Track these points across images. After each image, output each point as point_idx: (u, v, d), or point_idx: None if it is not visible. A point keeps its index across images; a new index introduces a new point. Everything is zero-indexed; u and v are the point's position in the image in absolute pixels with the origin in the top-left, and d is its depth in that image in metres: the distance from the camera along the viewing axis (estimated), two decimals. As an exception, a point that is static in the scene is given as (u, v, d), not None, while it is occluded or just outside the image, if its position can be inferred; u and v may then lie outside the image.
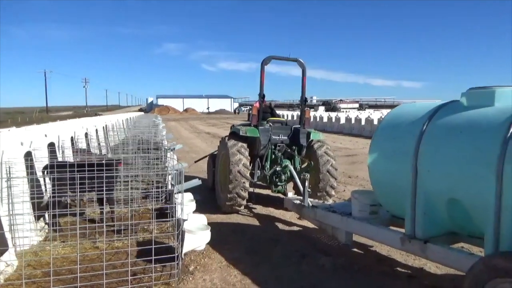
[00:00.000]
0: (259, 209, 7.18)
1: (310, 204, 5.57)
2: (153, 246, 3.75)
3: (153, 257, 3.75)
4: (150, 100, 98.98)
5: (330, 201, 6.83)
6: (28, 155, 5.46)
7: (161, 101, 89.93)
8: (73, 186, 5.15)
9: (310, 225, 5.90)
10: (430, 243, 3.56)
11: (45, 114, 55.97)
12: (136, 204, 6.43)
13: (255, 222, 6.45)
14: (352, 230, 4.61)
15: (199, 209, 6.65)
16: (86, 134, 9.86)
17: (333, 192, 6.97)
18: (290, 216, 6.66)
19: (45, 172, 5.27)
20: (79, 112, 70.60)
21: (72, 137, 8.52)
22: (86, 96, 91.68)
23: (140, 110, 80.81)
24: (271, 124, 7.10)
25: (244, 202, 6.60)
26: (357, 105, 77.74)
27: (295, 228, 6.13)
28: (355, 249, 5.04)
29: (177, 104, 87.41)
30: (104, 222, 5.40)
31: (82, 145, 9.11)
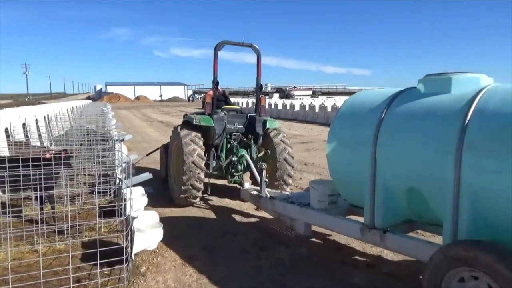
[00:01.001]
0: (215, 200, 6.93)
1: (268, 195, 5.43)
2: (98, 250, 3.37)
3: (99, 261, 3.39)
4: (98, 87, 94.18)
5: (287, 190, 6.74)
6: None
7: (110, 89, 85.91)
8: (4, 184, 4.65)
9: (267, 215, 5.76)
10: (389, 233, 3.52)
11: (-20, 103, 51.28)
12: (81, 200, 5.95)
13: (211, 215, 6.20)
14: (311, 221, 4.51)
15: (152, 203, 6.28)
16: (24, 125, 9.00)
17: (290, 181, 6.88)
18: (247, 207, 6.49)
19: None
20: (19, 100, 65.58)
21: (7, 129, 7.72)
22: (27, 83, 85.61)
23: (88, 98, 76.65)
24: (225, 112, 6.83)
25: (200, 194, 6.32)
26: (310, 92, 79.17)
27: (253, 220, 5.96)
28: (313, 239, 4.96)
29: (128, 92, 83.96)
30: (44, 223, 4.93)
31: (20, 137, 8.32)
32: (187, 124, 6.64)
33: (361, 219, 3.94)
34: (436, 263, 2.80)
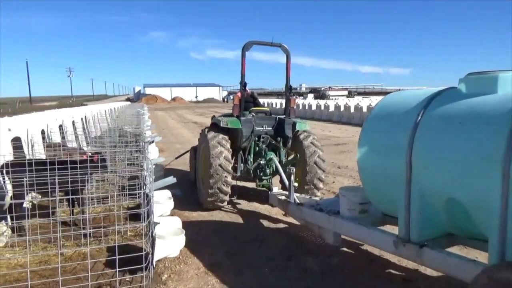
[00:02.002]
0: (243, 204, 6.78)
1: (296, 200, 5.20)
2: (117, 257, 3.30)
3: (117, 269, 3.33)
4: (137, 89, 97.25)
5: (318, 194, 6.48)
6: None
7: (148, 90, 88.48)
8: (33, 186, 4.72)
9: (297, 222, 5.54)
10: (426, 248, 3.19)
11: (28, 105, 54.43)
12: (110, 202, 5.99)
13: (238, 219, 6.05)
14: (340, 231, 4.23)
15: (180, 207, 6.26)
16: (60, 127, 9.30)
17: (321, 185, 6.61)
18: (276, 212, 6.29)
19: (2, 172, 4.78)
20: (64, 102, 69.02)
21: (43, 130, 7.98)
22: (71, 86, 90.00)
23: (127, 99, 79.35)
24: (253, 114, 6.66)
25: (227, 198, 6.20)
26: (346, 93, 77.54)
27: (281, 226, 5.74)
28: (345, 249, 4.69)
29: (165, 93, 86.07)
30: (71, 226, 4.99)
31: (56, 138, 8.59)
32: (215, 126, 6.54)
33: (396, 231, 3.62)
34: (478, 285, 2.47)
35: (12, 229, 4.73)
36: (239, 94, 6.75)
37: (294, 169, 5.50)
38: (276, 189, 6.36)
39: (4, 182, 5.02)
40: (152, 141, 7.74)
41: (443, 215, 3.16)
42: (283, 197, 5.53)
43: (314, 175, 6.44)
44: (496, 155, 2.64)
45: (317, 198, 5.52)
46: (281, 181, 6.52)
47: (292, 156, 6.74)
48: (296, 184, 6.22)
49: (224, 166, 5.95)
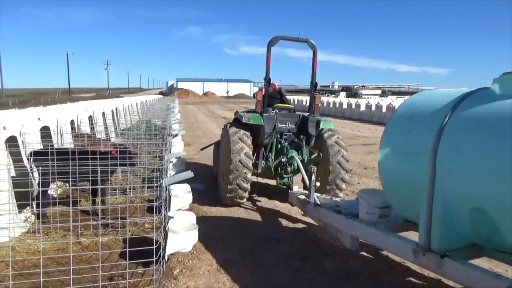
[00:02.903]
0: (264, 202, 6.70)
1: (316, 201, 5.04)
2: (128, 249, 3.31)
3: (128, 261, 3.35)
4: (170, 83, 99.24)
5: (340, 195, 6.29)
6: (14, 141, 5.14)
7: (181, 85, 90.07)
8: (60, 175, 4.85)
9: (315, 222, 5.38)
10: (448, 258, 2.97)
11: (68, 96, 56.79)
12: (130, 194, 6.06)
13: (256, 217, 5.98)
14: (357, 235, 4.04)
15: (199, 201, 6.25)
16: (90, 117, 9.57)
17: (343, 186, 6.40)
18: (296, 211, 6.15)
19: (30, 160, 4.93)
20: (100, 94, 71.55)
21: (72, 121, 8.22)
22: (108, 78, 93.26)
23: (160, 93, 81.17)
24: (277, 111, 6.54)
25: (246, 195, 6.13)
26: (379, 92, 75.47)
27: (300, 226, 5.63)
28: (363, 253, 4.49)
29: (197, 88, 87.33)
30: (91, 215, 5.08)
31: (86, 129, 8.84)
32: (237, 122, 6.48)
33: (416, 238, 3.42)
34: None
35: (36, 216, 4.87)
36: (263, 90, 6.65)
37: (316, 169, 5.34)
38: (296, 188, 6.23)
39: (32, 170, 5.19)
40: (176, 135, 7.77)
41: (467, 224, 2.94)
42: (303, 197, 5.39)
43: (337, 175, 6.25)
44: (529, 163, 2.41)
45: (337, 199, 5.34)
46: (303, 180, 6.37)
47: (315, 155, 6.58)
48: (317, 184, 6.06)
49: (244, 162, 5.88)
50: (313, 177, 5.16)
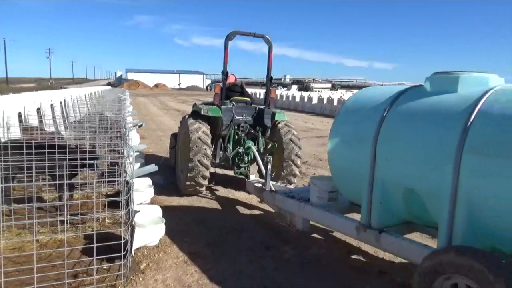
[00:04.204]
0: (222, 191, 6.92)
1: (272, 188, 5.39)
2: (95, 244, 3.21)
3: (95, 257, 3.24)
4: (119, 74, 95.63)
5: (294, 182, 6.69)
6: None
7: (130, 76, 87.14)
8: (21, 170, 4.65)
9: (272, 209, 5.69)
10: (384, 233, 3.45)
11: (5, 86, 52.74)
12: (88, 189, 5.81)
13: (218, 207, 6.15)
14: (309, 217, 4.46)
15: (159, 194, 6.24)
16: (38, 110, 9.19)
17: (297, 172, 6.80)
18: (252, 198, 6.45)
19: None
20: (42, 84, 67.12)
21: (20, 113, 7.89)
22: (50, 67, 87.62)
23: (109, 84, 77.88)
24: (234, 103, 6.80)
25: (205, 182, 6.26)
26: (329, 85, 78.11)
27: (259, 214, 5.86)
28: (323, 240, 4.79)
29: (148, 79, 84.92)
30: (48, 212, 4.89)
31: (34, 122, 8.48)
32: (196, 114, 6.65)
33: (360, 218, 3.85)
34: (425, 267, 2.73)
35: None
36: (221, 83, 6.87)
37: (271, 158, 5.68)
38: (253, 176, 6.55)
39: None
40: (141, 125, 7.67)
41: (401, 204, 3.43)
42: (259, 185, 5.71)
43: (290, 172, 6.63)
44: (450, 149, 2.89)
45: (291, 187, 5.74)
46: (259, 169, 6.71)
47: (270, 145, 6.93)
48: (273, 173, 6.41)
49: (203, 139, 6.07)
50: (269, 166, 5.50)
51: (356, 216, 4.22)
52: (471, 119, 2.87)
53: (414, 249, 3.17)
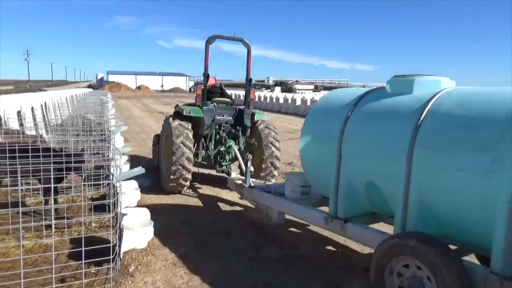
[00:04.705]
0: (209, 191, 7.12)
1: (251, 184, 5.68)
2: (83, 248, 3.23)
3: (83, 261, 3.25)
4: (100, 76, 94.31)
5: (273, 180, 7.00)
6: None
7: (112, 78, 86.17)
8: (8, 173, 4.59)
9: (251, 204, 5.85)
10: (349, 223, 3.80)
11: (-18, 89, 51.42)
12: (73, 193, 5.62)
13: (205, 208, 6.25)
14: (283, 210, 4.79)
15: (146, 197, 6.38)
16: (18, 113, 9.21)
17: (276, 170, 7.10)
18: (233, 195, 6.66)
19: None
20: (20, 86, 65.67)
21: (0, 117, 7.93)
22: (28, 70, 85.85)
23: (90, 86, 76.87)
24: (215, 104, 7.09)
25: (189, 177, 6.48)
26: (312, 87, 79.09)
27: (246, 214, 6.01)
28: (311, 240, 4.97)
29: (130, 81, 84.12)
30: (32, 217, 4.74)
31: (14, 125, 8.47)
32: (178, 114, 6.90)
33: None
34: (381, 250, 3.08)
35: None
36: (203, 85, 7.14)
37: (251, 156, 6.00)
38: (234, 174, 6.85)
39: None
40: (125, 127, 7.74)
41: (364, 195, 3.79)
42: (240, 182, 6.01)
43: (268, 173, 6.94)
44: (403, 145, 3.24)
45: (270, 183, 6.06)
46: (240, 167, 7.00)
47: (250, 144, 7.23)
48: (252, 169, 6.71)
49: (185, 143, 6.35)
50: (249, 163, 5.83)
51: (326, 209, 4.49)
52: (421, 118, 3.22)
53: (376, 236, 3.50)
